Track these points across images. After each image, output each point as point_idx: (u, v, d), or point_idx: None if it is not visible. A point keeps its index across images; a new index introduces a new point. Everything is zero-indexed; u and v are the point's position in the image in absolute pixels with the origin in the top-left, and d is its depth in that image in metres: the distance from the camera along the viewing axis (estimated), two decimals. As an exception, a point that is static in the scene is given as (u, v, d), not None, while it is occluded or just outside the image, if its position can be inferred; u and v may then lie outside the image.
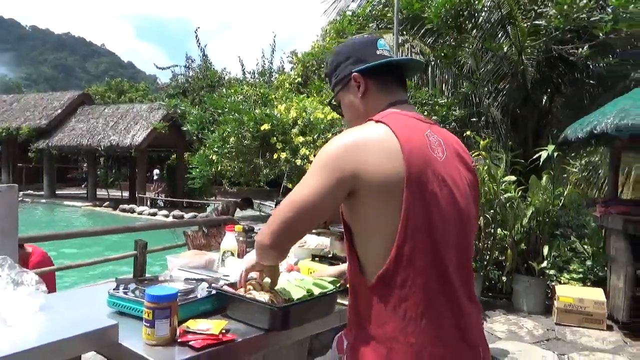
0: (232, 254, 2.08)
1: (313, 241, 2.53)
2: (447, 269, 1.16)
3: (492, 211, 5.01)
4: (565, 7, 5.75)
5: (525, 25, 8.28)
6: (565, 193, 5.19)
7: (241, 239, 2.17)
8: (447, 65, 9.31)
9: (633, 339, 4.44)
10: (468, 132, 5.86)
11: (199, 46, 20.27)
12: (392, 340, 1.12)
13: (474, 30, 7.99)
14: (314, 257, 2.05)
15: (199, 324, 1.36)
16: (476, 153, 4.94)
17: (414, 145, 1.14)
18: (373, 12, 10.74)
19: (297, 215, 1.17)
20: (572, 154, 8.91)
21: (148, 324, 1.28)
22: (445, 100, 7.63)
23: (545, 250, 4.95)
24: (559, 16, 5.96)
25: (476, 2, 6.92)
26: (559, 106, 9.81)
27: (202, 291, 1.56)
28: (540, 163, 4.83)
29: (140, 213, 15.19)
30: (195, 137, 9.43)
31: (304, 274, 1.85)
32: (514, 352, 4.00)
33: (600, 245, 6.35)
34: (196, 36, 20.06)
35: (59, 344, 1.14)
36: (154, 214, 14.75)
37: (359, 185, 1.13)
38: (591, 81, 8.83)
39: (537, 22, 7.80)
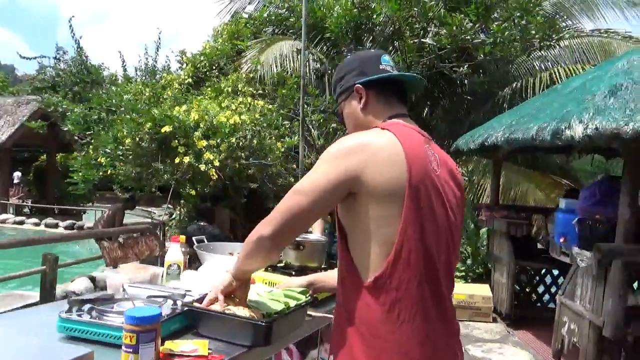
0: (179, 267, 1.96)
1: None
2: (437, 274, 1.22)
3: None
4: (454, 28, 6.31)
5: (412, 42, 8.95)
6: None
7: (183, 249, 2.05)
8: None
9: (514, 328, 5.01)
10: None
11: (73, 37, 18.50)
12: (385, 340, 1.16)
13: (370, 43, 8.40)
14: (266, 268, 2.00)
15: (180, 346, 1.26)
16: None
17: (416, 154, 1.19)
18: (270, 17, 10.77)
19: (302, 207, 1.19)
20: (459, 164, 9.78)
21: (130, 349, 1.15)
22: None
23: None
24: (447, 36, 6.52)
25: (374, 16, 7.29)
26: (438, 118, 10.71)
27: (167, 309, 1.45)
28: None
29: (3, 222, 13.38)
30: (77, 138, 8.60)
31: (261, 285, 1.80)
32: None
33: (477, 245, 7.07)
34: (70, 26, 18.27)
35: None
36: (21, 222, 13.06)
37: (361, 187, 1.16)
38: (468, 97, 9.78)
39: (423, 40, 8.48)
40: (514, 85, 9.42)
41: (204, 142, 6.12)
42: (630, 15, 9.90)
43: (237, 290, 1.40)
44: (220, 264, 2.03)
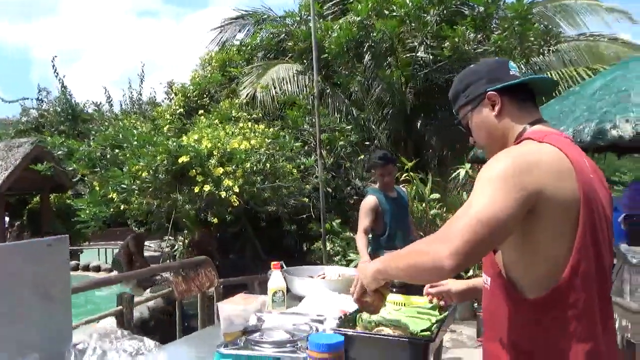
0: (283, 293, 1.94)
1: (331, 272, 2.47)
2: (608, 290, 1.20)
3: (420, 228, 5.33)
4: (456, 40, 6.47)
5: (404, 56, 9.14)
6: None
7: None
8: (340, 94, 9.83)
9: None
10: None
11: (56, 76, 18.45)
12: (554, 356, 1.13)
13: (368, 60, 8.54)
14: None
15: (355, 370, 1.25)
16: (405, 175, 5.24)
17: (581, 166, 1.16)
18: (263, 42, 10.88)
19: (491, 232, 1.05)
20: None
21: (323, 377, 1.14)
22: (350, 126, 8.00)
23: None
24: (450, 49, 6.68)
25: (373, 33, 7.43)
26: (433, 130, 10.86)
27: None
28: (460, 179, 5.29)
29: None
30: (79, 176, 8.49)
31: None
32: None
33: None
34: (53, 65, 18.33)
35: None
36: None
37: (539, 204, 1.10)
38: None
39: (417, 54, 8.67)
40: (508, 90, 9.64)
41: (221, 170, 6.11)
42: (610, 21, 10.26)
43: (377, 293, 1.34)
44: (320, 289, 2.03)
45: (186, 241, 11.45)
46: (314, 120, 7.79)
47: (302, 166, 6.97)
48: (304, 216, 7.97)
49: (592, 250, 1.13)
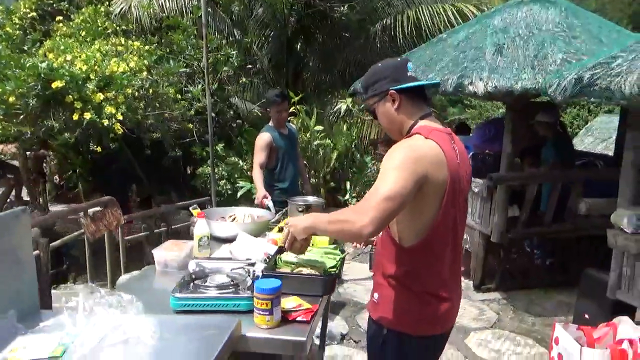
0: (208, 239, 2.25)
1: (240, 214, 2.81)
2: (459, 240, 1.73)
3: (304, 156, 5.81)
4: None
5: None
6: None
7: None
8: (221, 13, 9.55)
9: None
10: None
11: None
12: (426, 292, 1.64)
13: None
14: (281, 229, 2.38)
15: (286, 303, 1.65)
16: (292, 108, 5.57)
17: (451, 158, 1.60)
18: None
19: (395, 205, 1.46)
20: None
21: (267, 312, 1.53)
22: (235, 51, 7.95)
23: (348, 185, 6.07)
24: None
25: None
26: (313, 53, 11.14)
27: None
28: (341, 113, 5.78)
29: None
30: None
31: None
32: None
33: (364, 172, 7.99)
34: None
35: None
36: None
37: (424, 185, 1.53)
38: (343, 34, 10.31)
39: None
40: (384, 21, 10.14)
41: (101, 96, 5.82)
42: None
43: (305, 240, 1.70)
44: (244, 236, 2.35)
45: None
46: (200, 43, 7.58)
47: (189, 94, 6.88)
48: (187, 140, 7.99)
49: (451, 213, 1.62)
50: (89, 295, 1.37)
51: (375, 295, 1.74)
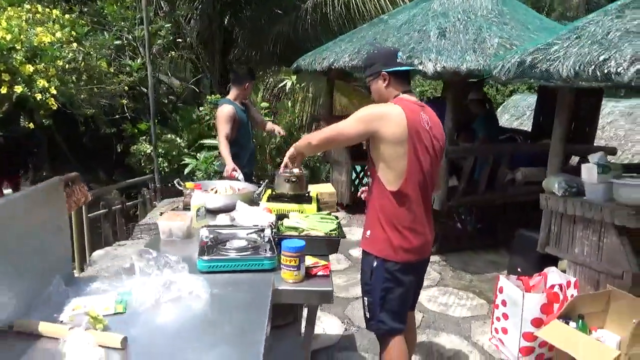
0: (204, 209, 2.35)
1: (221, 187, 2.91)
2: (428, 188, 2.14)
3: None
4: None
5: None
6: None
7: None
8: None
9: (353, 214, 6.37)
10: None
11: None
12: (405, 228, 2.07)
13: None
14: (270, 199, 2.54)
15: (305, 261, 1.84)
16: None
17: (413, 118, 2.01)
18: None
19: (338, 137, 2.09)
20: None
21: (295, 268, 1.71)
22: (169, 25, 7.71)
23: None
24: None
25: None
26: (242, 27, 11.02)
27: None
28: (287, 90, 5.91)
29: None
30: None
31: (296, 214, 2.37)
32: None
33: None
34: None
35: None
36: None
37: (379, 137, 1.99)
38: (276, 10, 10.29)
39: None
40: (315, -1, 10.25)
41: (31, 68, 5.47)
42: None
43: (297, 157, 2.23)
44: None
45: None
46: (129, 14, 7.26)
47: (127, 67, 6.61)
48: (117, 117, 7.70)
49: (417, 164, 2.03)
50: (139, 258, 1.46)
51: (368, 232, 2.17)
